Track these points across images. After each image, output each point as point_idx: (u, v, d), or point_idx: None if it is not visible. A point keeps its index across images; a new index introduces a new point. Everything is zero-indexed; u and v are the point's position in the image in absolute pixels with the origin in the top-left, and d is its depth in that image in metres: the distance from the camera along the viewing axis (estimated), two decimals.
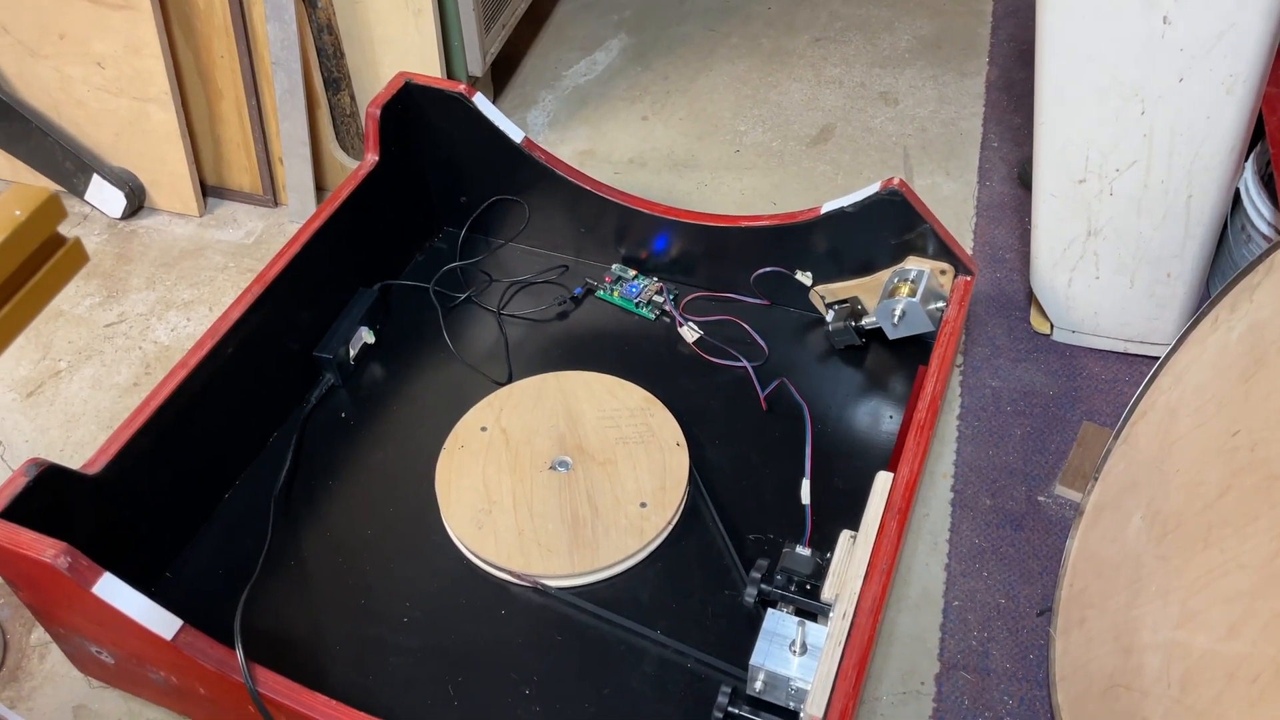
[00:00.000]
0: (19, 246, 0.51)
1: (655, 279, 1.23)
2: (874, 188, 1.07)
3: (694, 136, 1.56)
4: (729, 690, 0.87)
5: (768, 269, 1.16)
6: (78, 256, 0.58)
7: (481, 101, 1.18)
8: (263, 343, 1.05)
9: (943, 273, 1.07)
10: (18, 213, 0.51)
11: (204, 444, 1.01)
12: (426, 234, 1.31)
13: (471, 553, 0.99)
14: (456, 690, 0.91)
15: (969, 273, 1.07)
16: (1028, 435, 1.14)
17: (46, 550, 0.78)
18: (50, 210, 0.53)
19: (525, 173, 1.22)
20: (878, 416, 1.10)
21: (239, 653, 0.80)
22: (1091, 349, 1.22)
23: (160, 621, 0.80)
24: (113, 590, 0.79)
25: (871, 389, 1.12)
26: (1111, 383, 1.18)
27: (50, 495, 0.85)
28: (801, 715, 0.82)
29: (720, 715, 0.86)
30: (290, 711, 0.80)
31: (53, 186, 1.44)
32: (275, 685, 0.81)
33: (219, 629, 0.84)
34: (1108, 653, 0.87)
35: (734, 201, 1.44)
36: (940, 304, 1.07)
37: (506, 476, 1.03)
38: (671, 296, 1.22)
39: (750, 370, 1.13)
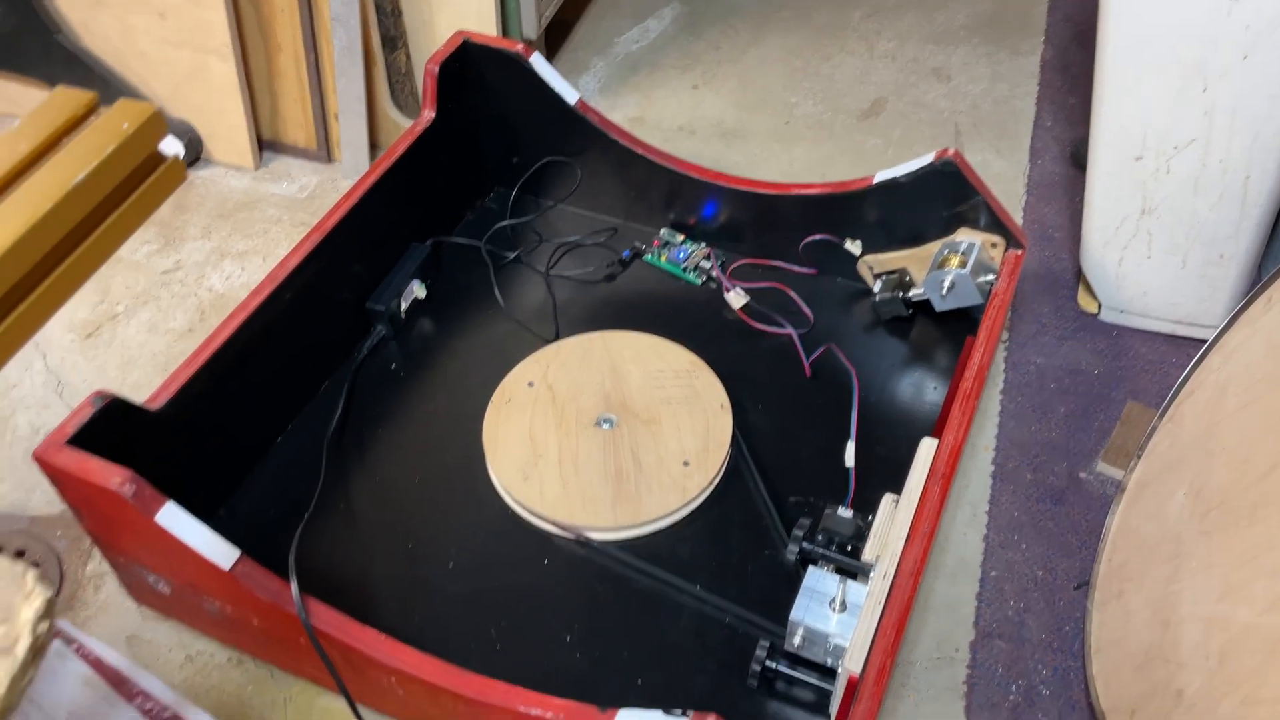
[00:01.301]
0: (126, 158, 0.53)
1: (703, 244, 1.24)
2: (928, 158, 1.07)
3: (744, 106, 1.56)
4: (767, 645, 0.88)
5: (817, 237, 1.16)
6: (177, 173, 0.59)
7: (538, 62, 1.19)
8: (318, 291, 1.07)
9: (993, 246, 1.07)
10: (125, 125, 0.53)
11: (259, 386, 1.03)
12: (478, 193, 1.32)
13: (517, 503, 1.01)
14: (499, 634, 0.93)
15: (1020, 246, 1.07)
16: (1071, 412, 1.14)
17: (113, 477, 0.80)
18: (154, 125, 0.55)
19: (578, 135, 1.23)
20: (921, 387, 1.10)
21: (294, 585, 0.83)
22: (1138, 329, 1.21)
23: (219, 551, 0.82)
24: (174, 519, 0.81)
25: (916, 360, 1.13)
26: (1157, 363, 1.18)
27: (114, 427, 0.87)
28: (839, 671, 0.84)
29: (758, 668, 0.88)
30: (341, 645, 0.83)
31: None
32: (327, 618, 0.83)
33: (272, 564, 0.86)
34: (1145, 625, 0.88)
35: (782, 172, 1.45)
36: (990, 277, 1.07)
37: (552, 431, 1.05)
38: (719, 262, 1.22)
39: (795, 337, 1.14)
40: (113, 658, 0.77)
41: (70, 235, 0.56)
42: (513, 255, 1.25)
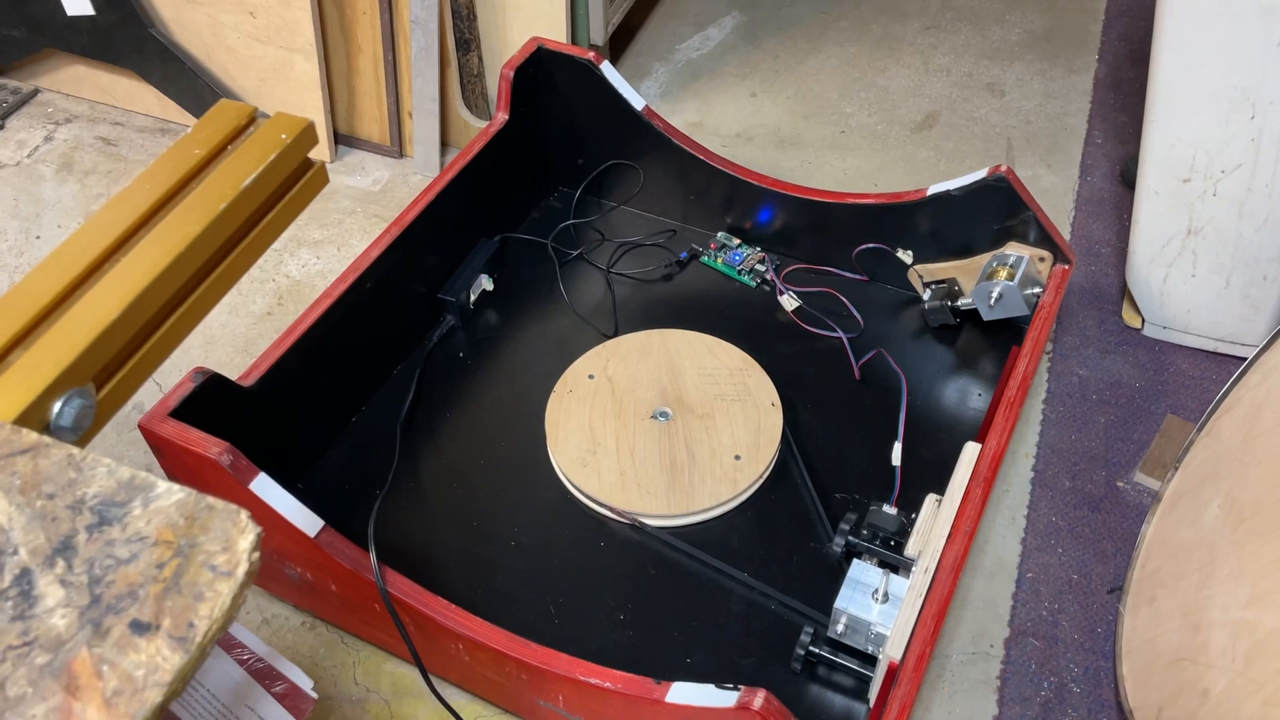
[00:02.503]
0: (284, 165, 0.59)
1: (758, 248, 1.29)
2: (981, 173, 1.11)
3: (800, 115, 1.61)
4: (811, 631, 0.93)
5: (870, 245, 1.21)
6: (322, 178, 0.66)
7: (608, 69, 1.25)
8: (395, 281, 1.14)
9: (1041, 260, 1.11)
10: (283, 136, 0.59)
11: (340, 368, 1.10)
12: (544, 192, 1.38)
13: (576, 488, 1.07)
14: (557, 610, 0.99)
15: (1067, 261, 1.11)
16: (1111, 424, 1.18)
17: (212, 448, 0.87)
18: (307, 136, 0.61)
19: (642, 139, 1.29)
20: (966, 393, 1.15)
21: (372, 554, 0.89)
22: (1181, 346, 1.25)
23: (305, 520, 0.89)
24: (267, 489, 0.88)
25: (962, 367, 1.17)
26: (1198, 379, 1.21)
27: (211, 402, 0.94)
28: (880, 658, 0.88)
29: (802, 652, 0.93)
30: (413, 611, 0.89)
31: None
32: (402, 586, 0.89)
33: (347, 535, 0.92)
34: (1175, 629, 0.92)
35: (836, 181, 1.49)
36: (1037, 289, 1.11)
37: (611, 422, 1.11)
38: (773, 266, 1.27)
39: (845, 341, 1.18)
40: None
41: (237, 232, 0.62)
42: (575, 253, 1.31)
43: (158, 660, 0.33)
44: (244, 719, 0.71)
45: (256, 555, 0.35)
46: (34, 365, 0.44)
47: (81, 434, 0.46)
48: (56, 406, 0.44)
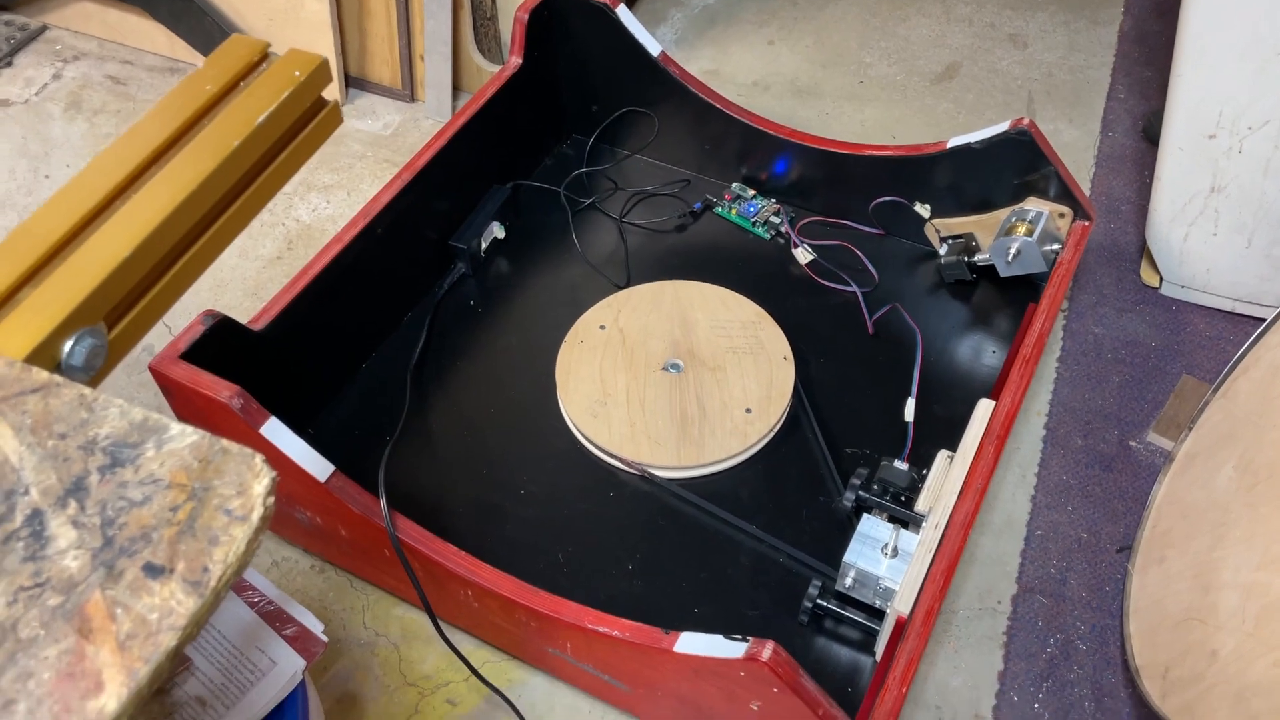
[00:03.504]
0: (298, 102, 0.58)
1: (773, 200, 1.27)
2: (1002, 126, 1.09)
3: (818, 64, 1.58)
4: (819, 584, 0.94)
5: (887, 198, 1.19)
6: (335, 117, 0.64)
7: (624, 13, 1.22)
8: (406, 227, 1.12)
9: (1061, 216, 1.10)
10: (297, 73, 0.57)
11: (350, 313, 1.09)
12: (556, 139, 1.36)
13: (586, 439, 1.06)
14: (566, 558, 0.99)
15: (1088, 218, 1.10)
16: (1125, 383, 1.17)
17: (222, 391, 0.87)
18: (321, 73, 0.59)
19: (657, 86, 1.27)
20: (980, 350, 1.14)
21: (382, 500, 0.89)
22: (1199, 305, 1.23)
23: (316, 465, 0.89)
24: (277, 432, 0.88)
25: (977, 324, 1.16)
26: (1215, 339, 1.20)
27: (222, 345, 0.93)
28: (888, 612, 0.89)
29: (810, 605, 0.93)
30: (423, 558, 0.89)
31: None
32: (412, 532, 0.89)
33: (357, 481, 0.92)
34: (1185, 590, 0.92)
35: (854, 132, 1.47)
36: (1055, 246, 1.10)
37: (621, 373, 1.10)
38: (788, 218, 1.26)
39: (860, 295, 1.17)
40: None
41: (250, 171, 0.61)
42: (588, 202, 1.29)
43: (172, 604, 0.33)
44: (254, 660, 0.72)
45: (271, 500, 0.35)
46: (44, 303, 0.44)
47: (93, 374, 0.45)
48: (68, 346, 0.44)
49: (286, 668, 0.72)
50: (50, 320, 0.43)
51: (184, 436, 0.38)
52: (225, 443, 0.38)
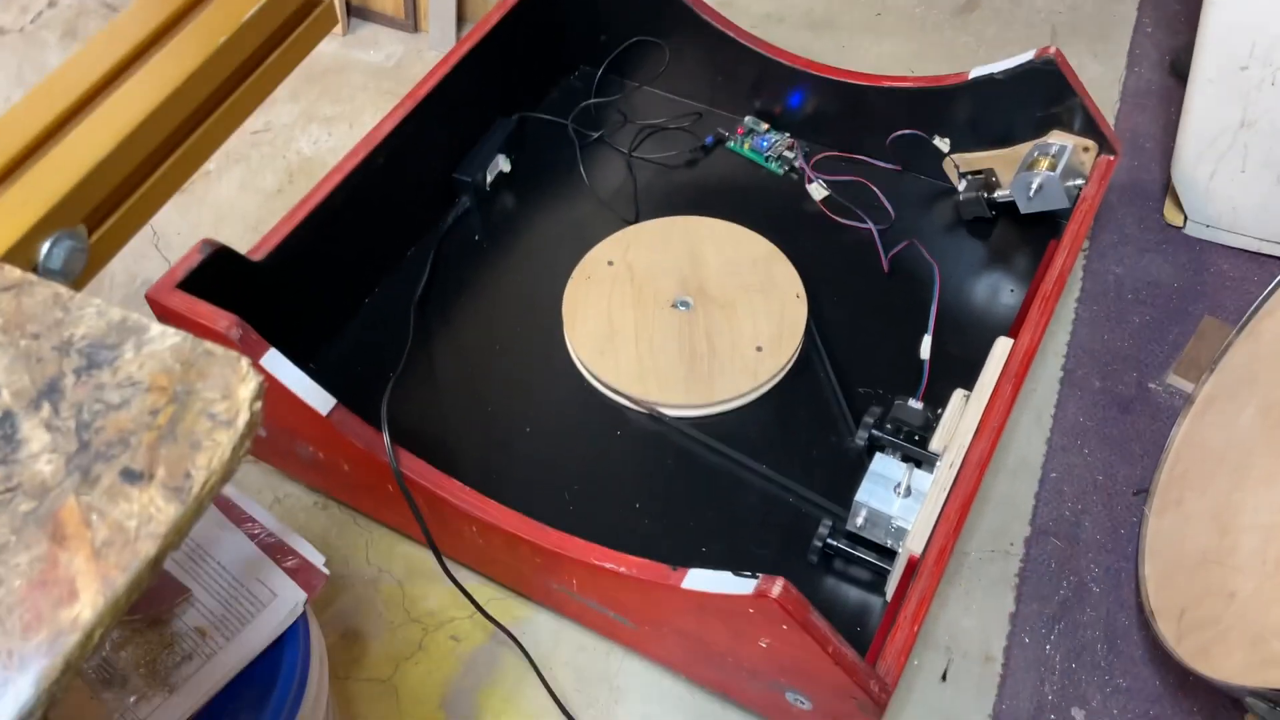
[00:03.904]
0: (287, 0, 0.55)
1: (787, 134, 1.24)
2: (1027, 55, 1.05)
3: None
4: (830, 523, 0.92)
5: (905, 132, 1.16)
6: (329, 19, 0.61)
7: None
8: (408, 159, 1.09)
9: (1085, 150, 1.06)
10: None
11: (352, 246, 1.06)
12: (564, 70, 1.32)
13: (593, 376, 1.04)
14: (572, 496, 0.97)
15: (1113, 152, 1.06)
16: (1146, 324, 1.14)
17: (220, 321, 0.84)
18: None
19: (668, 14, 1.23)
20: (998, 289, 1.11)
21: (385, 434, 0.87)
22: (1223, 245, 1.20)
23: (317, 398, 0.87)
24: (277, 364, 0.86)
25: (995, 262, 1.13)
26: (1239, 280, 1.17)
27: (220, 275, 0.91)
28: (900, 552, 0.87)
29: (820, 545, 0.91)
30: (427, 493, 0.87)
31: None
32: (416, 467, 0.88)
33: (361, 416, 0.90)
34: (1203, 532, 0.90)
35: (871, 66, 1.42)
36: (1078, 181, 1.06)
37: (630, 310, 1.08)
38: (802, 153, 1.22)
39: (875, 232, 1.14)
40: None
41: (238, 70, 0.58)
42: (596, 135, 1.26)
43: (151, 511, 0.31)
44: (255, 592, 0.71)
45: (259, 405, 0.33)
46: (19, 201, 0.41)
47: (73, 279, 0.43)
48: (45, 247, 0.42)
49: (287, 600, 0.70)
50: (25, 219, 0.41)
51: (165, 338, 0.36)
52: (209, 345, 0.36)
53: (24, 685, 0.28)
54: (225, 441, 0.32)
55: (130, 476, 0.32)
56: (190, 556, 0.73)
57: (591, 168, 1.23)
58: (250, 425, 0.33)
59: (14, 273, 0.36)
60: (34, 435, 0.32)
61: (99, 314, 0.35)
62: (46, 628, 0.29)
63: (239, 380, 0.33)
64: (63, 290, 0.36)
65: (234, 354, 0.35)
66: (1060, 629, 0.94)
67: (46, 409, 0.33)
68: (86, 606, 0.29)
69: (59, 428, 0.32)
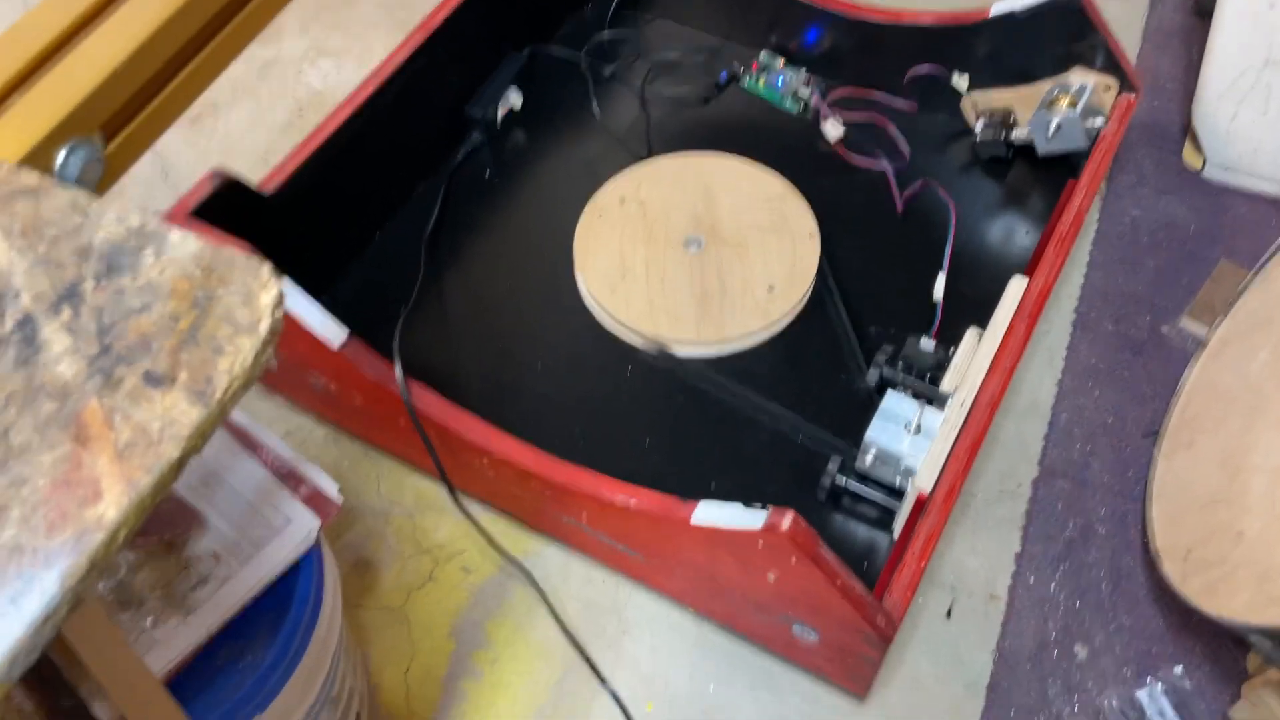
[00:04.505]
0: None
1: (802, 71, 1.22)
2: None
3: None
4: (839, 461, 0.92)
5: (923, 70, 1.14)
6: None
7: None
8: (419, 92, 1.08)
9: (1106, 88, 1.05)
10: None
11: (362, 179, 1.06)
12: (576, 2, 1.30)
13: (604, 314, 1.04)
14: (582, 433, 0.98)
15: (1134, 90, 1.04)
16: (1161, 267, 1.13)
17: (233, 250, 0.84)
18: None
19: None
20: (1013, 231, 1.10)
21: (398, 367, 0.87)
22: (1242, 189, 1.18)
23: (330, 330, 0.87)
24: (290, 295, 0.86)
25: (1010, 204, 1.12)
26: (1257, 225, 1.16)
27: (231, 207, 0.91)
28: (908, 490, 0.87)
29: (828, 482, 0.92)
30: (439, 426, 0.88)
31: None
32: (428, 400, 0.88)
33: (373, 349, 0.91)
34: (1212, 473, 0.90)
35: (889, 1, 1.40)
36: (1098, 121, 1.05)
37: (641, 247, 1.07)
38: (818, 90, 1.21)
39: (890, 172, 1.13)
40: (233, 413, 0.83)
41: None
42: (609, 70, 1.24)
43: (174, 414, 0.31)
44: (269, 518, 0.71)
45: (280, 313, 0.33)
46: (35, 108, 0.41)
47: (89, 190, 0.42)
48: (61, 156, 0.41)
49: (301, 526, 0.71)
50: (42, 125, 0.41)
51: (185, 244, 0.35)
52: (230, 251, 0.35)
53: (50, 582, 0.29)
54: (247, 347, 0.32)
55: (152, 380, 0.32)
56: (205, 483, 0.73)
57: (604, 103, 1.21)
58: (272, 331, 0.33)
59: (32, 176, 0.36)
60: (55, 338, 0.32)
61: (118, 220, 0.35)
62: (71, 526, 0.29)
63: (260, 286, 0.33)
64: (81, 195, 0.35)
65: (255, 260, 0.35)
66: (1065, 569, 0.95)
67: (67, 312, 0.33)
68: (111, 506, 0.29)
69: (80, 331, 0.32)
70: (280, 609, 0.68)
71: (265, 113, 1.30)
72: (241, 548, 0.70)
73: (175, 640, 0.66)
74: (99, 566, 0.29)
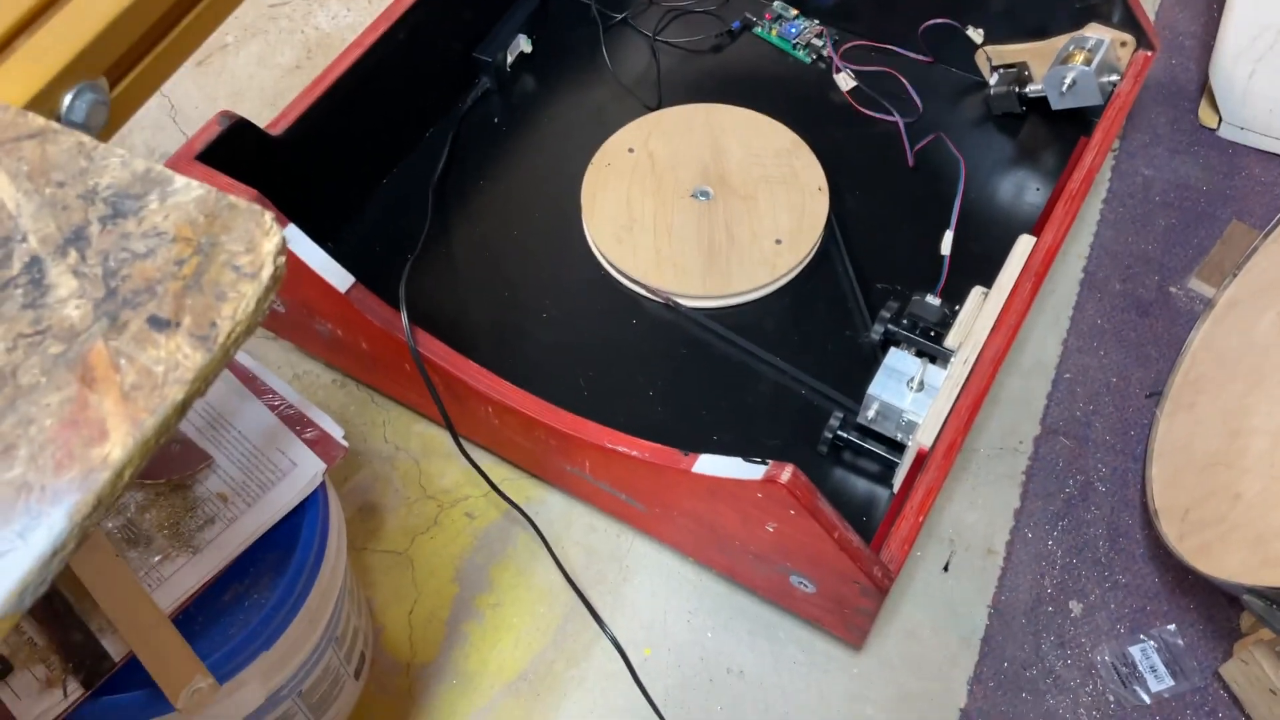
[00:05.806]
0: None
1: (816, 21, 1.21)
2: None
3: None
4: (841, 415, 0.93)
5: (938, 20, 1.12)
6: None
7: None
8: (428, 35, 1.07)
9: (1122, 45, 1.03)
10: None
11: (371, 123, 1.05)
12: None
13: (610, 264, 1.04)
14: (587, 382, 0.98)
15: (1151, 48, 1.03)
16: (1171, 227, 1.12)
17: (239, 194, 0.84)
18: None
19: None
20: (1023, 187, 1.09)
21: (403, 313, 0.88)
22: (1256, 149, 1.17)
23: (336, 275, 0.87)
24: (296, 240, 0.86)
25: (1022, 159, 1.11)
26: (1270, 185, 1.15)
27: (239, 149, 0.91)
28: (909, 445, 0.88)
29: (830, 436, 0.92)
30: (444, 373, 0.88)
31: None
32: (433, 347, 0.88)
33: (380, 296, 0.91)
34: (1213, 434, 0.90)
35: None
36: (1114, 77, 1.03)
37: (649, 198, 1.07)
38: (831, 41, 1.19)
39: (901, 126, 1.12)
40: (241, 357, 0.83)
41: None
42: (620, 17, 1.23)
43: (178, 357, 0.32)
44: (275, 461, 0.72)
45: (283, 260, 0.33)
46: (41, 51, 0.41)
47: (95, 134, 0.43)
48: (67, 99, 0.41)
49: (307, 469, 0.72)
50: (48, 68, 0.41)
51: (189, 190, 0.36)
52: (232, 198, 0.36)
53: (57, 518, 0.29)
54: (249, 293, 0.32)
55: (157, 324, 0.32)
56: (212, 424, 0.74)
57: (614, 51, 1.20)
58: (274, 278, 0.33)
59: (38, 120, 0.36)
60: (61, 281, 0.33)
61: (123, 164, 0.35)
62: (78, 465, 0.30)
63: (262, 234, 0.34)
64: (86, 139, 0.35)
65: (257, 208, 0.35)
66: (1063, 526, 0.96)
67: (74, 255, 0.33)
68: (117, 445, 0.30)
69: (86, 274, 0.33)
70: (286, 550, 0.69)
71: (273, 54, 1.29)
72: (248, 489, 0.71)
73: (182, 578, 0.67)
74: (105, 504, 0.30)
